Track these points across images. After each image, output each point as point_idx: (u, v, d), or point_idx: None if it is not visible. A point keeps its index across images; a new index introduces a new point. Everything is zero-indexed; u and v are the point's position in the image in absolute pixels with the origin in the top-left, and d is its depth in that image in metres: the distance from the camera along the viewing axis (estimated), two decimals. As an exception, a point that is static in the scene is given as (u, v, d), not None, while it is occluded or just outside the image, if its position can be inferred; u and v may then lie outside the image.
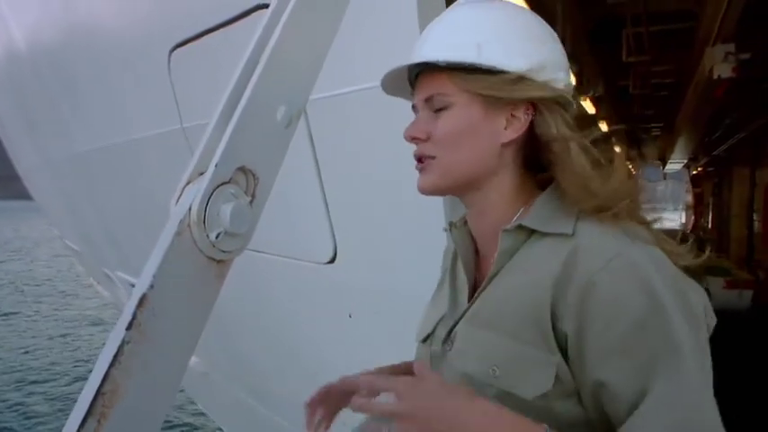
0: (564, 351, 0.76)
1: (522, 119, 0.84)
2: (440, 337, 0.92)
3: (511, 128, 0.84)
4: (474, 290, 0.91)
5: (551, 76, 0.84)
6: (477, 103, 0.83)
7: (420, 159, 0.87)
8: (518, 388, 0.76)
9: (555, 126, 0.83)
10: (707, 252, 0.85)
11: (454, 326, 0.89)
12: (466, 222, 0.96)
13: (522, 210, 0.87)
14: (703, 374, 0.72)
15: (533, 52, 0.84)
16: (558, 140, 0.82)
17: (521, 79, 0.82)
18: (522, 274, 0.81)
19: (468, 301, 0.90)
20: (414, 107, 0.89)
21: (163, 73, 2.57)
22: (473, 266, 0.93)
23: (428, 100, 0.85)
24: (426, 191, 0.88)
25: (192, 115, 2.61)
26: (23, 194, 7.18)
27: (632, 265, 0.73)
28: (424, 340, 0.97)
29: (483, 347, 0.82)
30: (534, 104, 0.84)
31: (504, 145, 0.85)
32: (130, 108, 3.25)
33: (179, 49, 2.45)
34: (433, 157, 0.85)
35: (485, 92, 0.82)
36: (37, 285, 18.71)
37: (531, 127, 0.85)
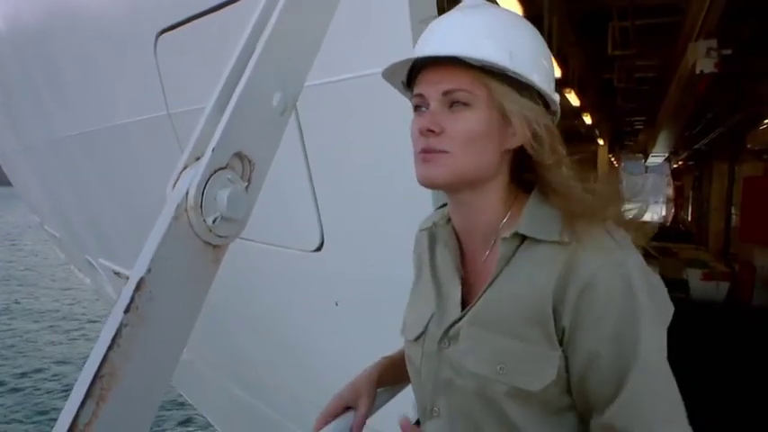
0: (561, 344, 0.83)
1: (526, 130, 0.87)
2: (434, 336, 0.94)
3: (515, 136, 0.88)
4: (463, 287, 0.94)
5: (554, 96, 0.90)
6: (497, 107, 0.85)
7: (425, 152, 0.86)
8: (525, 382, 0.83)
9: (550, 142, 0.87)
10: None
11: (452, 325, 0.92)
12: (449, 220, 0.98)
13: (510, 212, 0.91)
14: (665, 363, 0.82)
15: (547, 71, 0.89)
16: (550, 157, 0.87)
17: (534, 99, 0.87)
18: (523, 279, 0.86)
19: (462, 301, 0.93)
20: (419, 97, 0.88)
21: (149, 58, 2.54)
22: (460, 264, 0.96)
23: (447, 93, 0.85)
24: (432, 184, 0.88)
25: (179, 101, 2.59)
26: (5, 180, 7.05)
27: (620, 270, 0.82)
28: (416, 339, 0.98)
29: (489, 348, 0.86)
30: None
31: (506, 150, 0.89)
32: (114, 93, 3.20)
33: (166, 34, 2.42)
34: (446, 152, 0.85)
35: (507, 104, 0.85)
36: (21, 271, 18.42)
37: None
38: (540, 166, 0.88)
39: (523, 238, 0.87)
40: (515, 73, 0.83)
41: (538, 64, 0.87)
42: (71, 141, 3.83)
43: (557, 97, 0.91)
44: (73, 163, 4.13)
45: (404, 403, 1.43)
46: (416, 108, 0.89)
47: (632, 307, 0.80)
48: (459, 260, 0.96)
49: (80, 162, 4.01)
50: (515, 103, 0.85)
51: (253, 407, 3.72)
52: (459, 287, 0.94)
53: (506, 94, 0.84)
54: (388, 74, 0.93)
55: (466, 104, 0.84)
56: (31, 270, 18.64)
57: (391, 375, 1.15)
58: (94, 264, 5.15)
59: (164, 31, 2.44)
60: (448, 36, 0.86)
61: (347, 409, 1.08)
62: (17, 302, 14.34)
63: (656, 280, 0.85)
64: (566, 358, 0.83)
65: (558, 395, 0.85)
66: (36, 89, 4.03)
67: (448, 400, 0.91)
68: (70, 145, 3.89)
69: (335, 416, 1.06)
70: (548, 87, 0.88)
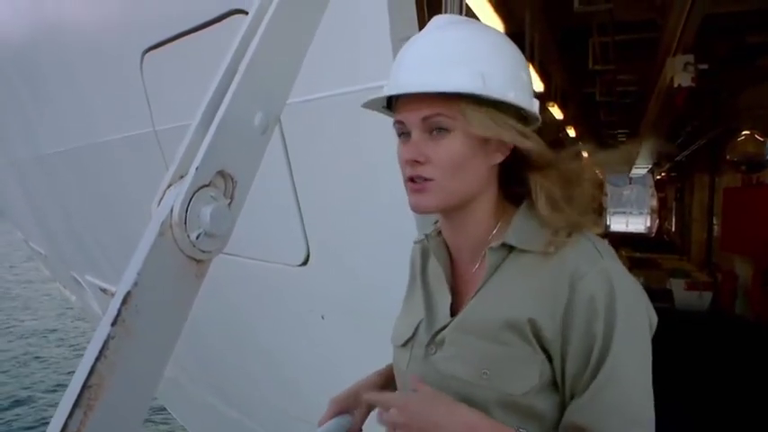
0: (545, 350, 0.86)
1: (509, 142, 0.89)
2: (422, 341, 0.97)
3: (500, 150, 0.90)
4: (453, 296, 0.98)
5: (534, 105, 0.91)
6: (476, 129, 0.86)
7: (413, 179, 0.88)
8: (508, 386, 0.86)
9: (537, 150, 0.89)
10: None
11: (439, 331, 0.95)
12: (440, 233, 1.02)
13: (499, 224, 0.94)
14: (640, 367, 0.85)
15: (524, 83, 0.91)
16: (539, 165, 0.90)
17: (516, 112, 0.88)
18: (508, 288, 0.89)
19: (452, 308, 0.96)
20: (400, 124, 0.90)
21: (135, 75, 2.56)
22: (450, 274, 0.99)
23: (426, 119, 0.86)
24: (425, 211, 0.91)
25: (165, 118, 2.61)
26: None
27: (604, 278, 0.84)
28: (404, 344, 1.01)
29: (473, 353, 0.89)
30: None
31: (492, 165, 0.92)
32: (100, 110, 3.21)
33: (152, 51, 2.45)
34: (432, 180, 0.87)
35: (486, 124, 0.85)
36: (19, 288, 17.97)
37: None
38: (529, 174, 0.91)
39: (511, 248, 0.90)
40: (489, 96, 0.85)
41: (514, 79, 0.89)
42: (56, 158, 3.83)
43: (536, 107, 0.92)
44: (58, 179, 4.12)
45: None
46: (400, 135, 0.92)
47: (613, 314, 0.82)
48: (449, 271, 0.99)
49: (65, 178, 4.00)
50: (493, 121, 0.86)
51: (237, 422, 3.70)
52: (449, 296, 0.97)
53: (484, 115, 0.85)
54: (369, 105, 0.97)
55: (446, 130, 0.86)
56: (25, 286, 18.16)
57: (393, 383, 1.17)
58: (80, 280, 5.11)
59: (150, 48, 2.46)
60: (419, 66, 0.87)
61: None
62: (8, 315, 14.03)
63: (639, 289, 0.88)
64: (552, 366, 0.86)
65: (542, 404, 0.86)
66: (22, 105, 4.03)
67: None
68: (55, 161, 3.88)
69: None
70: (525, 100, 0.90)
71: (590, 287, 0.83)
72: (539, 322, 0.85)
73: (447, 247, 1.01)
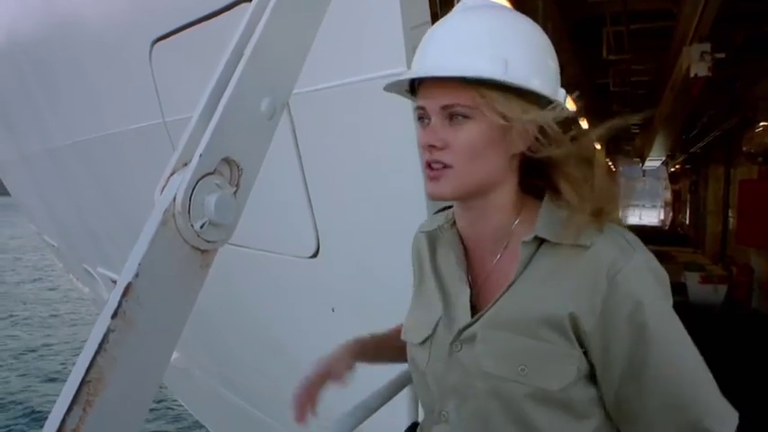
0: (582, 344, 0.85)
1: (531, 131, 0.87)
2: (443, 339, 0.94)
3: (521, 139, 0.88)
4: (471, 290, 0.95)
5: (560, 94, 0.89)
6: (497, 115, 0.84)
7: (430, 165, 0.87)
8: (546, 382, 0.84)
9: (558, 139, 0.87)
10: None
11: (466, 328, 0.92)
12: (453, 224, 0.99)
13: (521, 215, 0.92)
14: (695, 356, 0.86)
15: (551, 71, 0.88)
16: (557, 151, 0.87)
17: (538, 100, 0.85)
18: (542, 282, 0.87)
19: (471, 303, 0.93)
20: (421, 109, 0.89)
21: (144, 66, 2.54)
22: (466, 267, 0.96)
23: (446, 108, 0.85)
24: (442, 198, 0.89)
25: (174, 109, 2.59)
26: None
27: (641, 274, 0.84)
28: (423, 342, 0.98)
29: (509, 349, 0.87)
30: None
31: (513, 154, 0.90)
32: (110, 102, 3.21)
33: (161, 42, 2.43)
34: (450, 166, 0.86)
35: (507, 112, 0.83)
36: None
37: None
38: (549, 163, 0.88)
39: (541, 242, 0.88)
40: (511, 83, 0.82)
41: (538, 66, 0.86)
42: (67, 150, 3.84)
43: (562, 96, 0.89)
44: (69, 172, 4.14)
45: (398, 405, 1.42)
46: (419, 119, 0.90)
47: (661, 305, 0.83)
48: (465, 264, 0.96)
49: (76, 171, 4.01)
50: (516, 110, 0.84)
51: (249, 413, 3.71)
52: (468, 292, 0.94)
53: (506, 102, 0.83)
54: (390, 88, 0.95)
55: (466, 117, 0.84)
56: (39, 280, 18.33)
57: (372, 351, 1.20)
58: (93, 272, 5.14)
59: (159, 39, 2.44)
60: (442, 50, 0.86)
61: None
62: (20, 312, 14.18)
63: (665, 273, 0.89)
64: (588, 359, 0.85)
65: (579, 397, 0.85)
66: (33, 99, 4.04)
67: (460, 404, 0.91)
68: (67, 154, 3.89)
69: (314, 385, 1.11)
70: (550, 87, 0.87)
71: (630, 279, 0.82)
72: (579, 317, 0.83)
73: (461, 239, 0.98)
